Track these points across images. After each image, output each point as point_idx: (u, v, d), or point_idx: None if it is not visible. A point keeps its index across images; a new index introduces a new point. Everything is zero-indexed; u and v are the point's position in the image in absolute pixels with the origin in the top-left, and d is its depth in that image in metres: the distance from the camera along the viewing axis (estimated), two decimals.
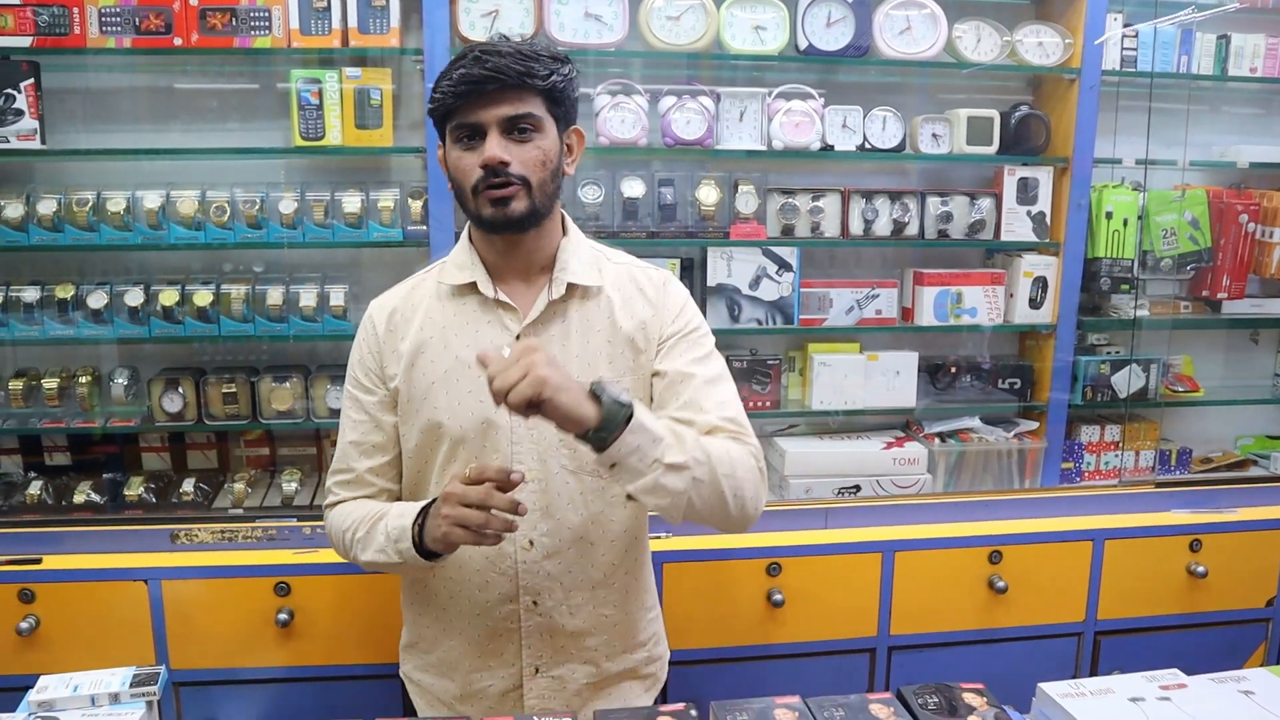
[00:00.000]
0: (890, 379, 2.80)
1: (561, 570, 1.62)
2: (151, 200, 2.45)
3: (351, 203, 2.49)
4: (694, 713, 1.38)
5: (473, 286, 1.60)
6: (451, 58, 1.51)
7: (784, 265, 2.70)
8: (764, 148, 2.64)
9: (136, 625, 2.25)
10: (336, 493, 1.69)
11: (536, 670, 1.65)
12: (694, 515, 1.46)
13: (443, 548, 1.46)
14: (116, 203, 2.44)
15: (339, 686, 2.32)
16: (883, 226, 2.76)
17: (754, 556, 2.42)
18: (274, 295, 2.50)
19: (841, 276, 2.84)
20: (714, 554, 2.40)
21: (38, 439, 2.64)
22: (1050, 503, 2.69)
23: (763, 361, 2.76)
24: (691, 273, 2.73)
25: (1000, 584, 2.49)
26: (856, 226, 2.75)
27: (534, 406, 1.28)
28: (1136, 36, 2.76)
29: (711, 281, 2.69)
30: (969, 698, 1.49)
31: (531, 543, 1.60)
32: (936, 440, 2.84)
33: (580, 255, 1.63)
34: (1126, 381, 2.89)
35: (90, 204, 2.43)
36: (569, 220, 1.67)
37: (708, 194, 2.64)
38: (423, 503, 1.53)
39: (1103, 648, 2.60)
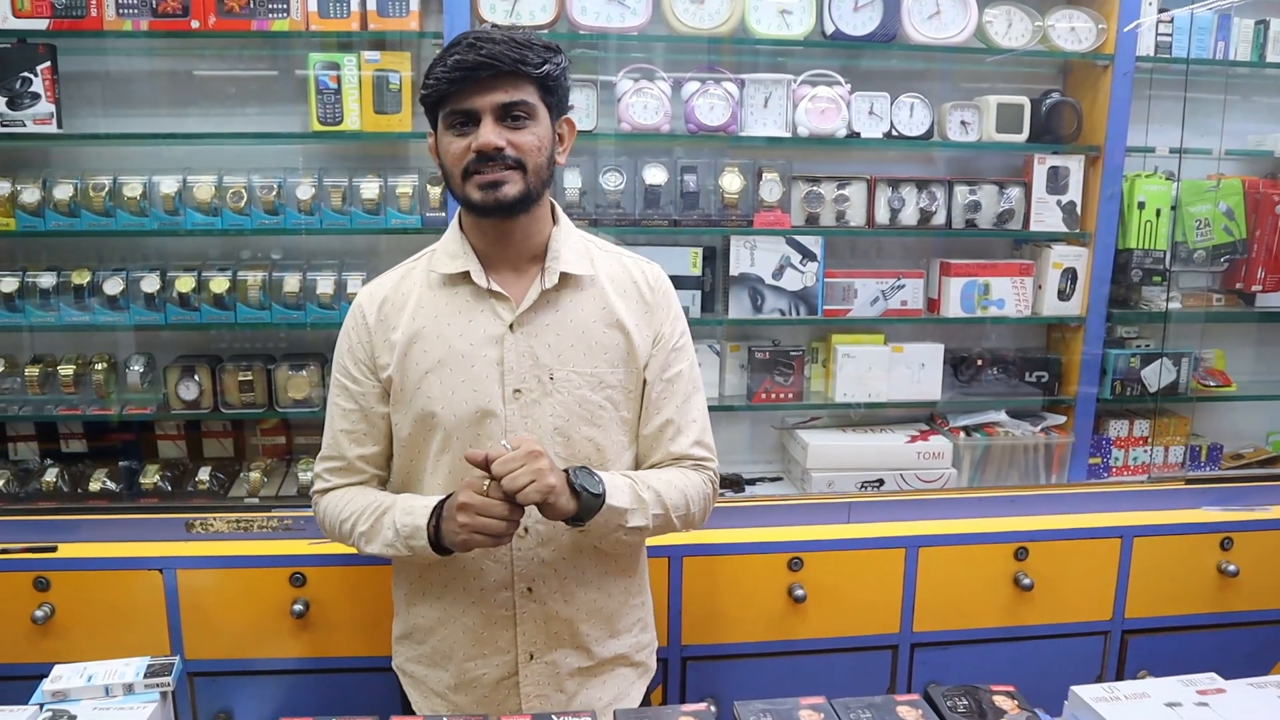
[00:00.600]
0: (915, 371, 2.75)
1: (556, 557, 1.64)
2: (168, 185, 2.43)
3: (369, 189, 2.46)
4: (714, 709, 1.35)
5: (465, 276, 1.60)
6: (446, 46, 1.51)
7: (808, 255, 2.66)
8: (789, 135, 2.60)
9: (151, 615, 2.24)
10: (327, 479, 1.70)
11: (531, 656, 1.66)
12: None
13: (460, 549, 1.51)
14: (133, 188, 2.42)
15: (354, 678, 2.30)
16: (909, 216, 2.71)
17: (775, 551, 2.38)
18: (291, 282, 2.48)
19: (866, 266, 2.79)
20: (735, 548, 2.37)
21: (54, 426, 2.62)
22: (1077, 499, 2.64)
23: (785, 353, 2.71)
24: (714, 262, 2.69)
25: (1026, 581, 2.45)
26: (882, 215, 2.70)
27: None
28: (1172, 21, 2.69)
29: (734, 271, 2.65)
30: (999, 700, 1.45)
31: (526, 530, 1.61)
32: (961, 434, 2.80)
33: (571, 244, 1.64)
34: (1157, 375, 2.83)
35: (106, 189, 2.41)
36: (559, 209, 1.67)
37: (731, 181, 2.60)
38: (430, 501, 1.55)
39: (1130, 647, 2.55)
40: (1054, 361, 2.85)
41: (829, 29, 2.56)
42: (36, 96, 2.38)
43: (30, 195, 2.40)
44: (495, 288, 1.59)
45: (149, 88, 2.58)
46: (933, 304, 2.81)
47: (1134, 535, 2.52)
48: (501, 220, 1.55)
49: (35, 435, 2.64)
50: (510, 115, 1.49)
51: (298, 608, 2.24)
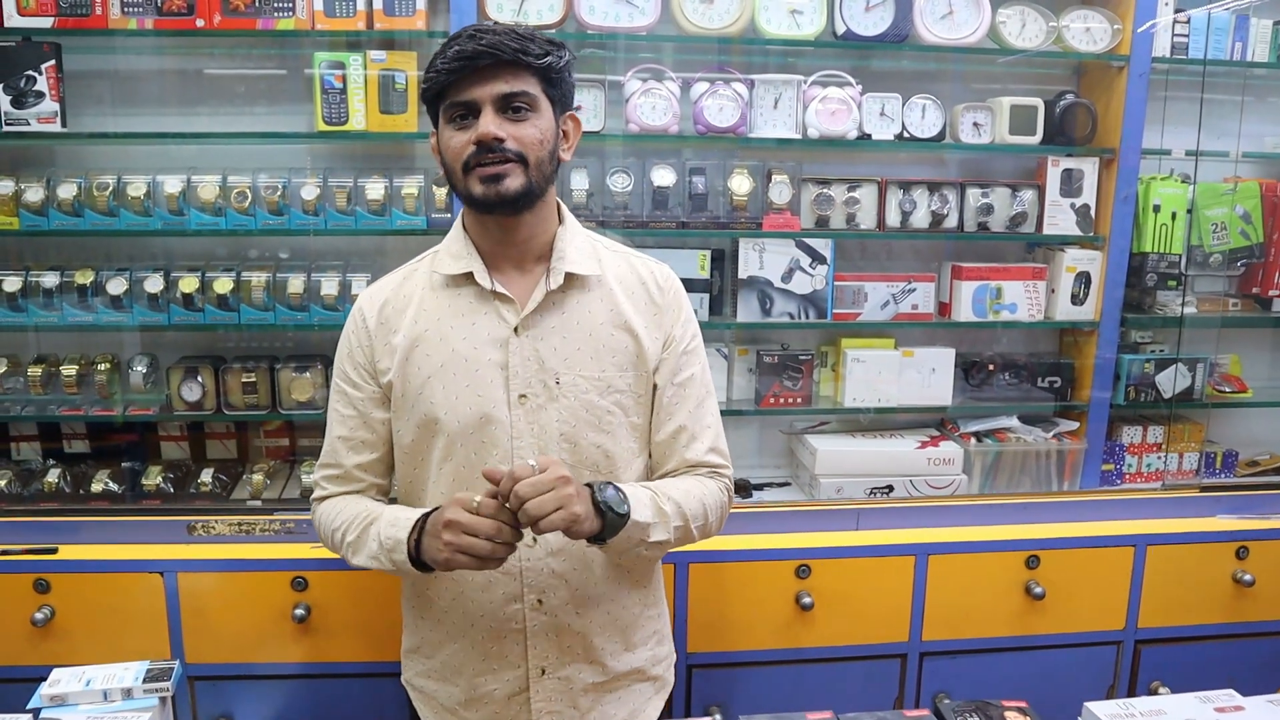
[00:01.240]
0: (926, 376, 2.72)
1: (566, 568, 1.59)
2: (172, 185, 2.41)
3: (375, 189, 2.44)
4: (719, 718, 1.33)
5: (468, 277, 1.56)
6: (443, 44, 1.48)
7: (818, 257, 2.63)
8: (799, 136, 2.57)
9: (152, 618, 2.23)
10: (324, 487, 1.66)
11: (543, 671, 1.62)
12: None
13: (442, 569, 1.45)
14: (137, 187, 2.40)
15: (356, 684, 2.28)
16: (920, 218, 2.67)
17: (783, 558, 2.35)
18: (295, 283, 2.46)
19: (877, 270, 2.76)
20: (741, 555, 2.35)
21: (56, 426, 2.61)
22: (1090, 506, 2.61)
23: (794, 356, 2.68)
24: (722, 264, 2.66)
25: (1038, 590, 2.41)
26: (893, 218, 2.67)
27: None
28: (1189, 22, 2.65)
29: (743, 274, 2.62)
30: (1011, 716, 1.42)
31: (536, 540, 1.56)
32: (972, 440, 2.76)
33: (577, 244, 1.60)
34: (1171, 381, 2.79)
35: (110, 188, 2.40)
36: (565, 209, 1.63)
37: (740, 183, 2.57)
38: (417, 513, 1.50)
39: (1143, 657, 2.52)
40: (1067, 366, 2.81)
41: (840, 29, 2.52)
42: (41, 95, 2.37)
43: (34, 194, 2.38)
44: (499, 289, 1.55)
45: (154, 86, 2.56)
46: (944, 308, 2.78)
47: (1147, 543, 2.48)
48: (505, 217, 1.51)
49: (38, 435, 2.63)
50: (511, 107, 1.45)
51: (299, 612, 2.22)
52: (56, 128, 2.40)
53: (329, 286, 2.46)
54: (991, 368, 2.81)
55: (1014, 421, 2.80)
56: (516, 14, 2.39)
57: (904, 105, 2.60)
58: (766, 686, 2.39)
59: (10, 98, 2.35)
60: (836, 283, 2.66)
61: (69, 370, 2.51)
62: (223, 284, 2.44)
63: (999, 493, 2.70)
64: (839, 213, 2.64)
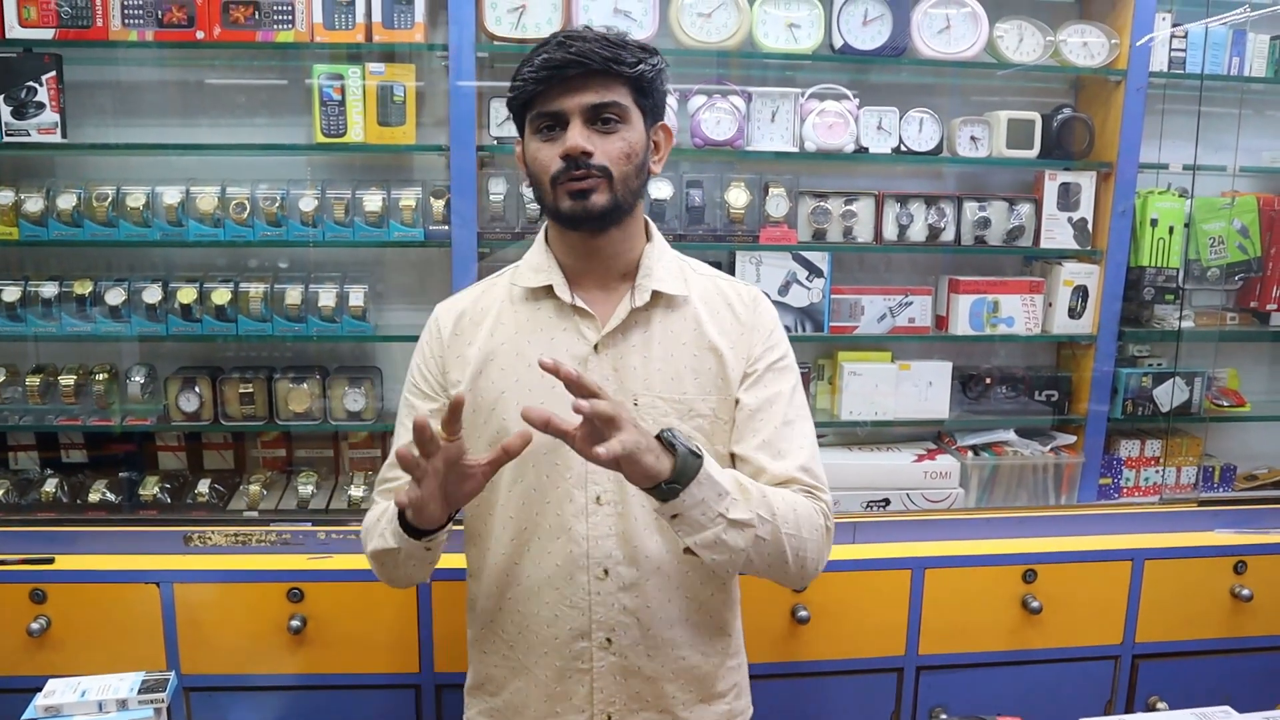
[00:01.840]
0: (922, 389, 2.72)
1: (639, 605, 1.49)
2: (171, 196, 2.42)
3: (373, 201, 2.45)
4: None
5: (548, 290, 1.50)
6: (531, 51, 1.42)
7: (815, 271, 2.63)
8: (796, 149, 2.57)
9: (148, 628, 2.22)
10: (376, 501, 1.60)
11: (609, 718, 1.51)
12: (750, 570, 1.41)
13: (413, 513, 1.35)
14: (136, 198, 2.41)
15: (351, 695, 2.27)
16: (917, 232, 2.68)
17: None
18: (292, 295, 2.46)
19: (874, 283, 2.76)
20: None
21: (54, 436, 2.61)
22: (1087, 520, 2.60)
23: None
24: None
25: (1034, 604, 2.41)
26: (890, 231, 2.67)
27: (614, 462, 1.23)
28: (1186, 37, 2.66)
29: None
30: None
31: (606, 572, 1.47)
32: (969, 453, 2.76)
33: (665, 263, 1.53)
34: (1169, 395, 2.79)
35: (110, 199, 2.41)
36: (653, 226, 1.56)
37: (737, 196, 2.57)
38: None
39: (1141, 672, 2.51)
40: (1064, 380, 2.81)
41: (837, 43, 2.53)
42: (41, 106, 2.38)
43: (34, 204, 2.39)
44: (580, 304, 1.48)
45: (154, 98, 2.57)
46: (941, 321, 2.78)
47: (1145, 558, 2.48)
48: (590, 234, 1.45)
49: (35, 445, 2.63)
50: (601, 118, 1.39)
51: (295, 623, 2.21)
52: (57, 138, 2.41)
53: (326, 298, 2.47)
54: (989, 381, 2.82)
55: (1011, 435, 2.80)
56: (515, 27, 2.41)
57: (901, 119, 2.61)
58: (763, 700, 2.37)
59: (11, 108, 2.37)
60: (833, 296, 2.67)
61: (67, 380, 2.51)
62: (221, 295, 2.45)
63: (996, 506, 2.70)
64: (836, 226, 2.64)
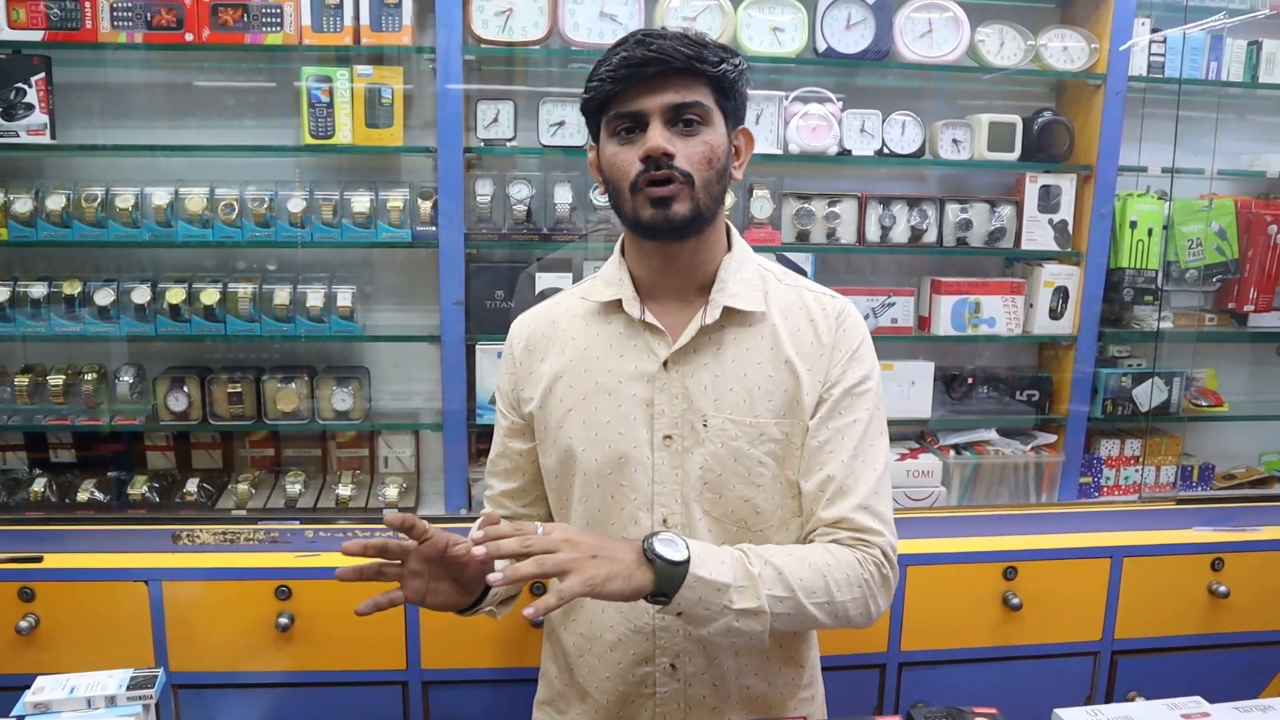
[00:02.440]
0: (905, 389, 2.75)
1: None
2: (160, 197, 2.43)
3: (360, 202, 2.46)
4: None
5: (619, 305, 1.44)
6: (608, 51, 1.37)
7: (798, 271, 2.65)
8: (780, 151, 2.60)
9: (136, 626, 2.23)
10: (486, 505, 1.64)
11: None
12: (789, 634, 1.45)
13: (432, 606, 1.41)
14: (125, 199, 2.42)
15: (339, 692, 2.29)
16: (900, 233, 2.71)
17: None
18: (281, 295, 2.48)
19: (857, 284, 2.79)
20: None
21: (43, 436, 2.62)
22: (1068, 518, 2.63)
23: None
24: None
25: (1015, 601, 2.43)
26: (873, 233, 2.70)
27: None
28: (1165, 42, 2.70)
29: None
30: None
31: None
32: (951, 452, 2.79)
33: (744, 275, 1.44)
34: (1148, 395, 2.83)
35: (99, 200, 2.42)
36: (735, 233, 1.49)
37: None
38: None
39: (1120, 668, 2.54)
40: (1045, 380, 2.85)
41: (821, 46, 2.56)
42: (30, 107, 2.39)
43: (23, 205, 2.40)
44: (650, 319, 1.42)
45: (143, 99, 2.58)
46: (923, 322, 2.81)
47: (1124, 555, 2.51)
48: (667, 244, 1.38)
49: (24, 445, 2.64)
50: (682, 119, 1.32)
51: (283, 621, 2.23)
52: (46, 139, 2.42)
53: (314, 298, 2.48)
54: (971, 381, 2.85)
55: (992, 434, 2.83)
56: (502, 30, 2.43)
57: (884, 121, 2.64)
58: None
59: (0, 110, 2.37)
60: None
61: (56, 380, 2.52)
62: (209, 295, 2.47)
63: (977, 505, 2.73)
64: (820, 227, 2.67)
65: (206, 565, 2.27)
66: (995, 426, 2.84)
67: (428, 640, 2.28)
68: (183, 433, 2.65)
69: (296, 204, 2.45)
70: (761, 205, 2.61)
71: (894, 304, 2.73)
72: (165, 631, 2.23)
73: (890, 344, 2.79)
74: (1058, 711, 1.45)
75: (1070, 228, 2.75)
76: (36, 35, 2.34)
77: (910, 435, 2.93)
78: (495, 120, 2.50)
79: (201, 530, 2.34)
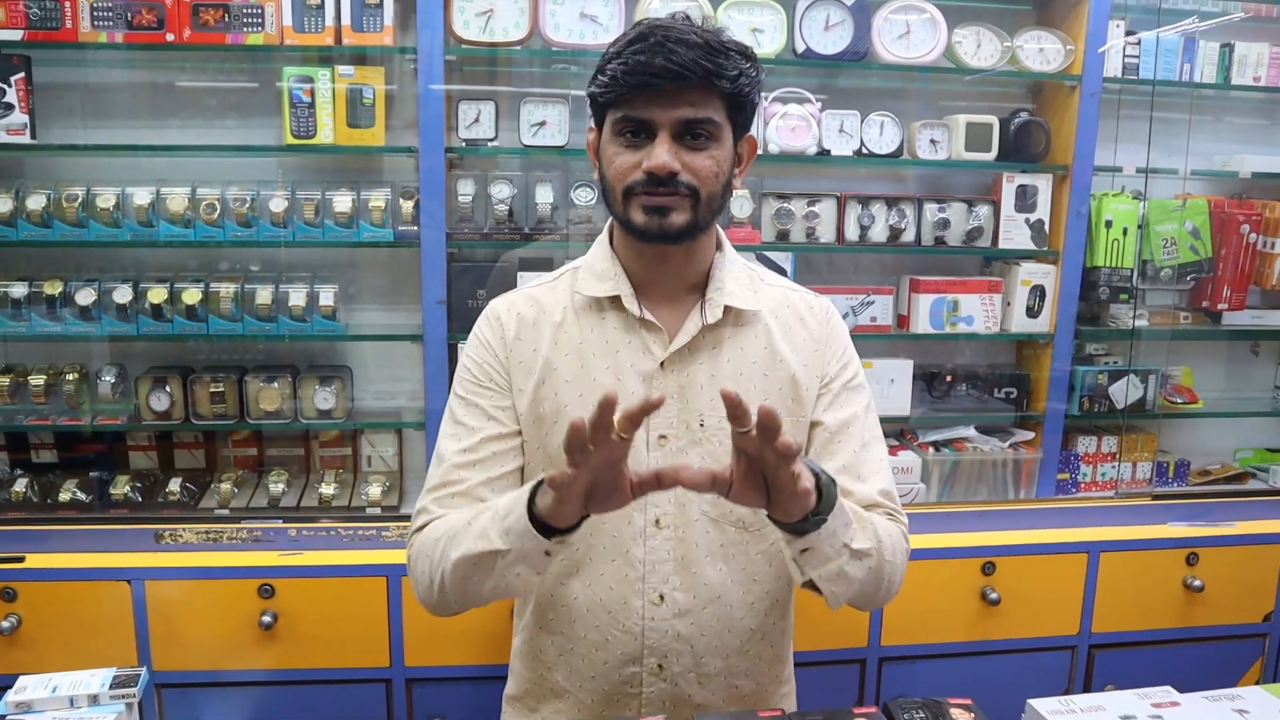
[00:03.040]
0: (885, 387, 2.77)
1: (694, 632, 1.44)
2: (141, 197, 2.43)
3: (342, 202, 2.47)
4: None
5: (615, 301, 1.42)
6: (627, 34, 1.32)
7: (778, 271, 2.68)
8: (759, 151, 2.61)
9: (119, 626, 2.23)
10: (432, 510, 1.41)
11: None
12: (847, 601, 1.36)
13: (550, 502, 1.17)
14: (106, 199, 2.42)
15: (322, 690, 2.29)
16: (879, 233, 2.73)
17: None
18: (263, 294, 2.48)
19: (836, 283, 2.81)
20: None
21: (24, 436, 2.61)
22: (1045, 514, 2.66)
23: None
24: None
25: (993, 596, 2.46)
26: (852, 232, 2.72)
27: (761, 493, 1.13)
28: (1139, 44, 2.73)
29: None
30: (957, 714, 1.46)
31: (662, 597, 1.42)
32: (931, 449, 2.82)
33: (735, 274, 1.45)
34: (1124, 392, 2.86)
35: (80, 200, 2.42)
36: (723, 236, 1.48)
37: None
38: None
39: (1096, 661, 2.57)
40: (1023, 378, 2.88)
41: (800, 47, 2.58)
42: (10, 107, 2.39)
43: (3, 205, 2.40)
44: (649, 317, 1.40)
45: (124, 99, 2.58)
46: (902, 320, 2.83)
47: (1101, 550, 2.54)
48: (661, 247, 1.37)
49: (5, 445, 2.63)
50: (691, 133, 1.30)
51: (266, 619, 2.23)
52: (26, 139, 2.42)
53: (296, 298, 2.49)
54: (950, 379, 2.87)
55: (971, 431, 2.86)
56: (483, 31, 2.43)
57: (863, 122, 2.66)
58: None
59: None
60: None
61: (37, 380, 2.52)
62: (191, 295, 2.46)
63: (956, 501, 2.76)
64: (799, 227, 2.69)
65: (189, 564, 2.28)
66: (974, 424, 2.87)
67: (411, 638, 2.29)
68: (165, 432, 2.65)
69: (278, 204, 2.45)
70: (741, 205, 2.63)
71: (873, 303, 2.75)
72: (148, 631, 2.24)
73: (870, 342, 2.81)
74: (1031, 702, 1.47)
75: (1047, 227, 2.79)
76: (16, 35, 2.34)
77: (890, 432, 2.94)
78: (477, 120, 2.51)
79: (184, 530, 2.35)
